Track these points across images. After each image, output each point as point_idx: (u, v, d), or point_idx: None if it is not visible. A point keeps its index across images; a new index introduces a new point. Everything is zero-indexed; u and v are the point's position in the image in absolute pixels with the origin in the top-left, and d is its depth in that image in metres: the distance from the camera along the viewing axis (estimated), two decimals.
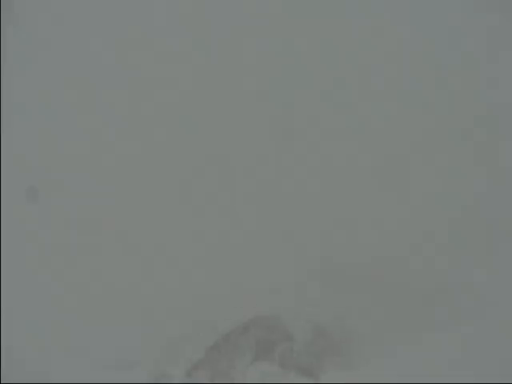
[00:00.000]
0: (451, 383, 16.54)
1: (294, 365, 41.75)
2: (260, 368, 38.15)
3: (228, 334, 46.34)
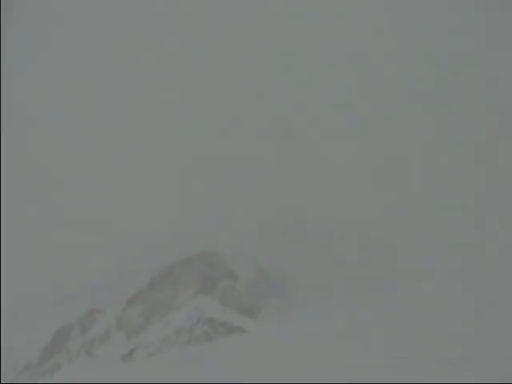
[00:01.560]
0: (452, 383, 16.73)
1: (234, 303, 41.93)
2: (201, 302, 38.28)
3: (171, 266, 46.58)
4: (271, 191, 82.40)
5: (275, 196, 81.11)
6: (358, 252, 58.06)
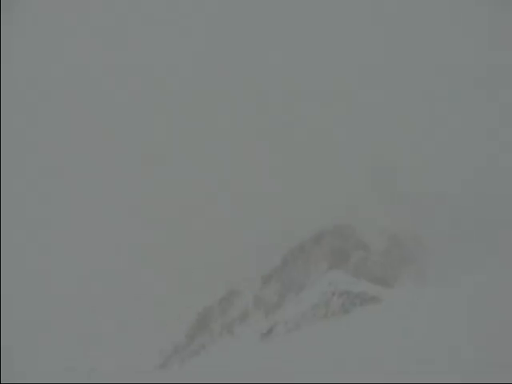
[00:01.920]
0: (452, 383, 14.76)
1: (368, 274, 39.29)
2: (334, 275, 36.43)
3: (302, 244, 44.79)
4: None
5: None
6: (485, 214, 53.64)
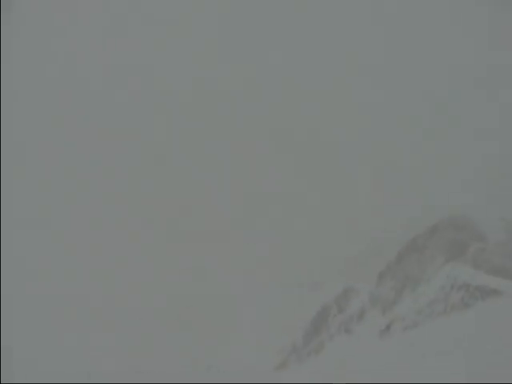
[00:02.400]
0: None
1: (487, 265, 36.45)
2: (452, 269, 34.23)
3: (416, 238, 42.73)
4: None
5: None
6: None
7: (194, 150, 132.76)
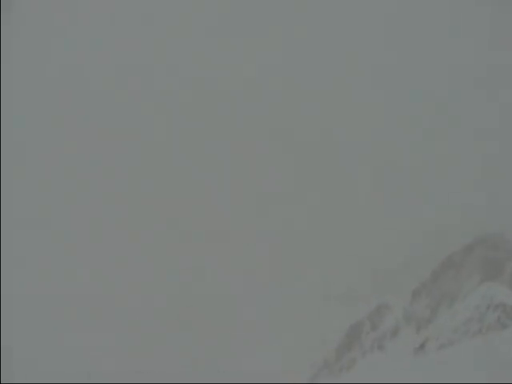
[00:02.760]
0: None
1: None
2: (488, 288, 33.39)
3: (453, 255, 41.77)
4: None
5: None
6: None
7: (194, 149, 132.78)
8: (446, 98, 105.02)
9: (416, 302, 47.60)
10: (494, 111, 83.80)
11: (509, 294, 31.22)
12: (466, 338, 31.04)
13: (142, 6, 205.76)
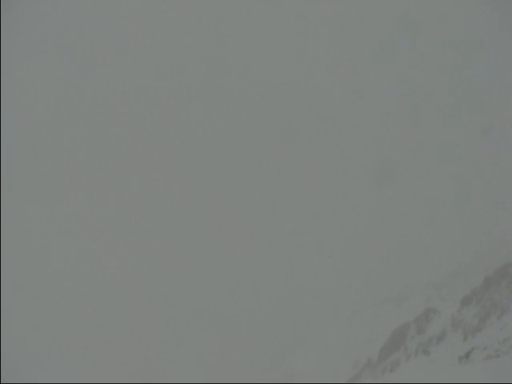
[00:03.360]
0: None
1: None
2: None
3: (506, 266, 41.03)
4: None
5: None
6: None
7: (194, 149, 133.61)
8: (445, 97, 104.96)
9: (465, 309, 46.70)
10: (494, 111, 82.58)
11: None
12: None
13: (142, 5, 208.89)
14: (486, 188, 77.87)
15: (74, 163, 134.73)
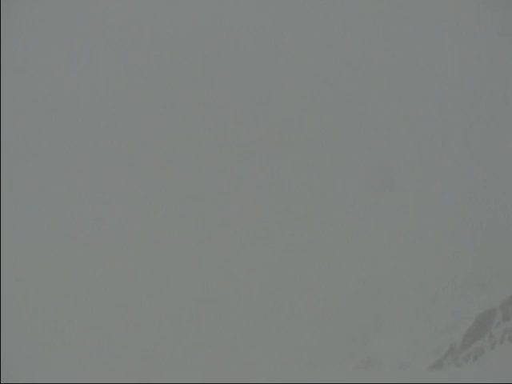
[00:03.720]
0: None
1: None
2: None
3: None
4: None
5: None
6: None
7: (194, 149, 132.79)
8: (445, 97, 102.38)
9: None
10: (494, 111, 79.67)
11: None
12: None
13: (142, 5, 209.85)
14: (488, 188, 76.84)
15: (73, 163, 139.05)
